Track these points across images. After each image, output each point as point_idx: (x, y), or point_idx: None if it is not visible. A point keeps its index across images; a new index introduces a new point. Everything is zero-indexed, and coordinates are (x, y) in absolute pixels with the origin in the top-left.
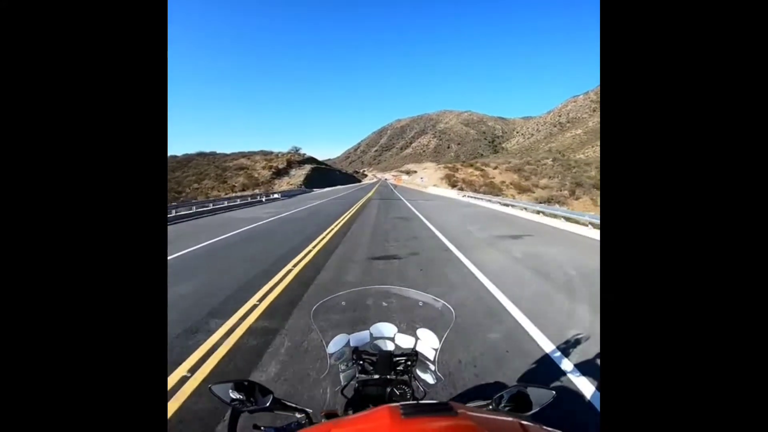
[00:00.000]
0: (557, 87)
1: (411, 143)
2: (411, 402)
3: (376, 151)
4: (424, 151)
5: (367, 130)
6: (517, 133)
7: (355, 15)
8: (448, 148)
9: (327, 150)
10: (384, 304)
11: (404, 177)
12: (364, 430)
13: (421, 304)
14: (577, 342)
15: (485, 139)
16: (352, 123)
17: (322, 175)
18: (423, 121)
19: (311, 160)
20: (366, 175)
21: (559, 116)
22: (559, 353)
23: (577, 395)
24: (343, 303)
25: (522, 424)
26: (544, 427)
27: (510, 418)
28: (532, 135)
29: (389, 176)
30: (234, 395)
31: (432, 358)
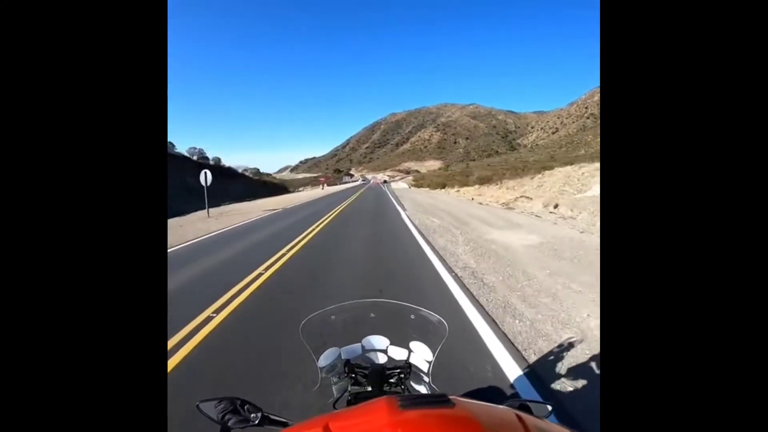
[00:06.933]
0: (573, 79)
1: (408, 138)
2: (409, 394)
3: (367, 147)
4: (425, 146)
5: (358, 126)
6: (533, 128)
7: (343, 3)
8: (455, 143)
9: (313, 148)
10: (372, 315)
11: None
12: (362, 422)
13: (413, 317)
14: None
15: (497, 133)
16: (341, 118)
17: None
18: (421, 114)
19: None
20: (351, 176)
21: (586, 107)
22: None
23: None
24: (333, 317)
25: (517, 414)
26: (538, 419)
27: (505, 407)
28: (557, 129)
29: (386, 177)
30: (223, 413)
31: (426, 371)
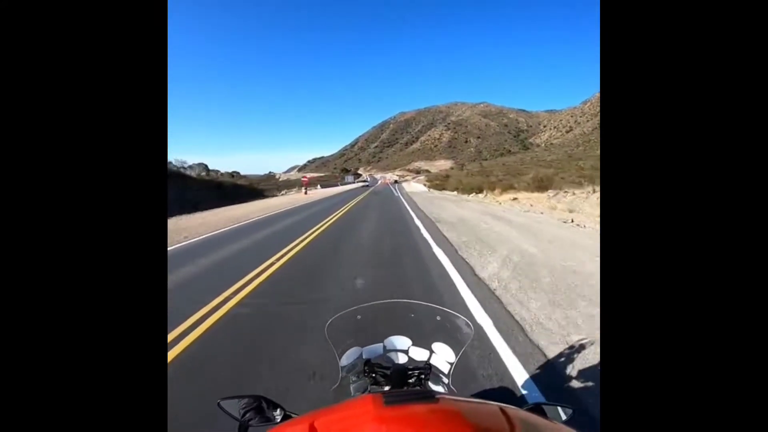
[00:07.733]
0: (585, 77)
1: (418, 137)
2: (394, 390)
3: (376, 147)
4: (435, 145)
5: (366, 125)
6: (545, 126)
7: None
8: (466, 142)
9: (322, 148)
10: (411, 315)
11: None
12: (347, 418)
13: (438, 318)
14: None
15: (509, 132)
16: (350, 118)
17: None
18: (431, 113)
19: None
20: (359, 174)
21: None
22: None
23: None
24: (359, 317)
25: (501, 408)
26: (523, 411)
27: (490, 402)
28: (571, 128)
29: (395, 177)
30: (243, 411)
31: (447, 372)
